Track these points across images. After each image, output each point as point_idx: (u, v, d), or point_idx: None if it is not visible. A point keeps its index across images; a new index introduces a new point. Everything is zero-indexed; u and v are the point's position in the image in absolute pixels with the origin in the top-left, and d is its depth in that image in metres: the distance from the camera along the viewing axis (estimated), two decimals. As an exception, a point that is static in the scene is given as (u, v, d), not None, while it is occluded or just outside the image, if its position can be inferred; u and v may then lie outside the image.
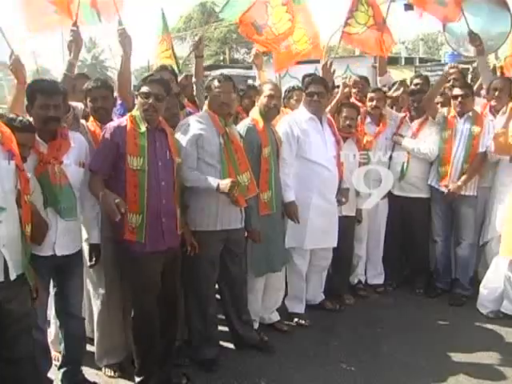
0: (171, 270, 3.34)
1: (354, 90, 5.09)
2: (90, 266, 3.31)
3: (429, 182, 4.89)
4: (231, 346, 3.96)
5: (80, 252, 3.20)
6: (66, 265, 3.09)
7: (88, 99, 3.50)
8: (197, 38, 4.43)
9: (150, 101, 3.17)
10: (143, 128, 3.18)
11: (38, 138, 2.94)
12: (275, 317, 4.30)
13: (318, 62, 5.94)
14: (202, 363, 3.65)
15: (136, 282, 3.23)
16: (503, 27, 5.28)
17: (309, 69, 6.65)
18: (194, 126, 3.55)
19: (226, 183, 3.38)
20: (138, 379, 3.35)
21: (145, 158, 3.15)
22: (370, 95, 4.94)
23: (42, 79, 3.18)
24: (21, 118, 2.78)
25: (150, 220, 3.16)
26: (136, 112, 3.25)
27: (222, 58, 21.28)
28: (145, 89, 3.20)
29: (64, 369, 3.29)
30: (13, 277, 2.54)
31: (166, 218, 3.23)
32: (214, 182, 3.42)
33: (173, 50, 5.32)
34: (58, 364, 3.32)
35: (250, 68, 12.58)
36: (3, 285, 2.52)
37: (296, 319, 4.37)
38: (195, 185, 3.46)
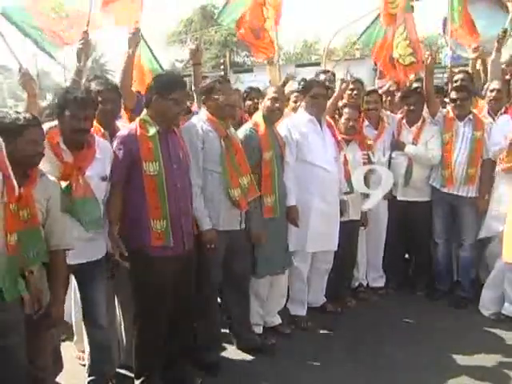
0: (186, 271, 3.33)
1: (348, 92, 5.06)
2: (108, 278, 3.26)
3: (430, 182, 4.89)
4: (233, 348, 3.97)
5: (101, 260, 3.17)
6: (85, 272, 3.06)
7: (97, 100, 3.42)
8: (193, 46, 4.33)
9: (183, 107, 3.24)
10: (152, 131, 3.16)
11: (63, 146, 2.94)
12: (277, 320, 4.30)
13: (318, 64, 5.97)
14: (204, 366, 3.65)
15: (152, 285, 3.19)
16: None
17: (309, 72, 6.66)
18: (199, 134, 3.54)
19: (210, 238, 3.46)
20: (137, 382, 3.34)
21: (160, 161, 3.14)
22: (366, 98, 4.89)
23: (76, 90, 3.15)
24: (23, 114, 2.69)
25: (173, 223, 3.17)
26: (145, 116, 3.22)
27: (222, 61, 21.27)
28: (176, 96, 3.16)
29: (91, 378, 3.27)
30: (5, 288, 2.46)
31: (185, 219, 3.25)
32: (207, 224, 3.48)
33: (154, 56, 5.23)
34: (86, 371, 3.30)
35: (251, 71, 12.60)
36: None
37: (298, 322, 4.37)
38: (195, 213, 3.46)
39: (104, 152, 3.13)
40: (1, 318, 2.47)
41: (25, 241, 2.60)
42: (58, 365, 3.18)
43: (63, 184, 2.89)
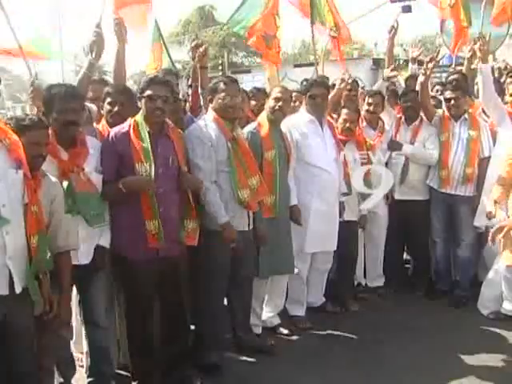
0: (172, 277, 3.31)
1: (345, 93, 5.02)
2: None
3: (427, 182, 4.90)
4: (232, 348, 3.95)
5: None
6: (85, 273, 3.05)
7: (106, 101, 3.44)
8: (201, 49, 4.29)
9: (158, 104, 3.15)
10: (144, 133, 3.15)
11: (57, 145, 2.92)
12: (276, 320, 4.30)
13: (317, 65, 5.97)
14: (205, 367, 3.64)
15: (131, 290, 3.24)
16: (500, 30, 5.31)
17: (307, 72, 6.67)
18: (206, 135, 3.50)
19: (229, 233, 3.45)
20: (134, 383, 3.35)
21: (151, 163, 3.12)
22: (368, 99, 4.87)
23: (60, 84, 3.13)
24: (30, 116, 2.70)
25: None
26: (139, 117, 3.20)
27: (220, 61, 21.30)
28: (150, 92, 3.17)
29: (91, 379, 3.27)
30: (18, 290, 2.47)
31: (165, 225, 3.17)
32: (222, 216, 3.45)
33: (169, 55, 5.27)
34: (85, 372, 3.32)
35: (249, 72, 12.62)
36: (8, 298, 2.45)
37: (297, 322, 4.37)
38: (210, 209, 3.46)
39: (95, 149, 3.14)
40: (10, 320, 2.49)
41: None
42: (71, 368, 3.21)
43: (64, 183, 2.87)
